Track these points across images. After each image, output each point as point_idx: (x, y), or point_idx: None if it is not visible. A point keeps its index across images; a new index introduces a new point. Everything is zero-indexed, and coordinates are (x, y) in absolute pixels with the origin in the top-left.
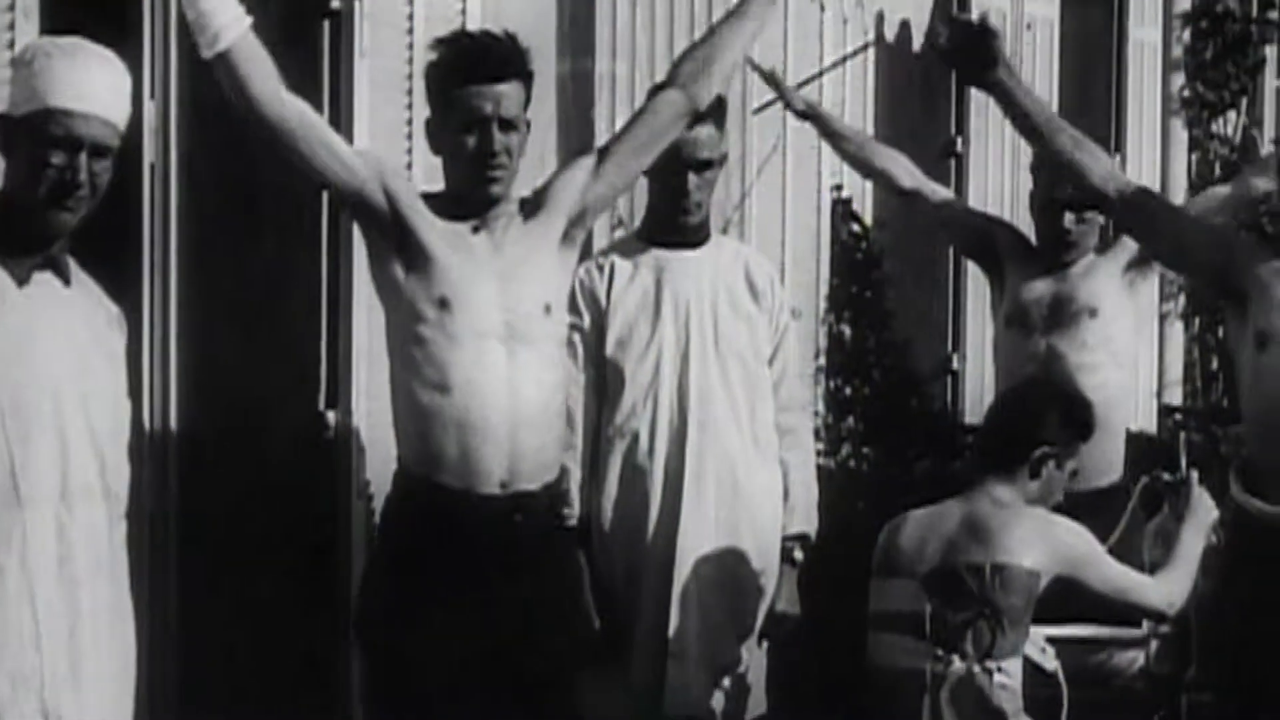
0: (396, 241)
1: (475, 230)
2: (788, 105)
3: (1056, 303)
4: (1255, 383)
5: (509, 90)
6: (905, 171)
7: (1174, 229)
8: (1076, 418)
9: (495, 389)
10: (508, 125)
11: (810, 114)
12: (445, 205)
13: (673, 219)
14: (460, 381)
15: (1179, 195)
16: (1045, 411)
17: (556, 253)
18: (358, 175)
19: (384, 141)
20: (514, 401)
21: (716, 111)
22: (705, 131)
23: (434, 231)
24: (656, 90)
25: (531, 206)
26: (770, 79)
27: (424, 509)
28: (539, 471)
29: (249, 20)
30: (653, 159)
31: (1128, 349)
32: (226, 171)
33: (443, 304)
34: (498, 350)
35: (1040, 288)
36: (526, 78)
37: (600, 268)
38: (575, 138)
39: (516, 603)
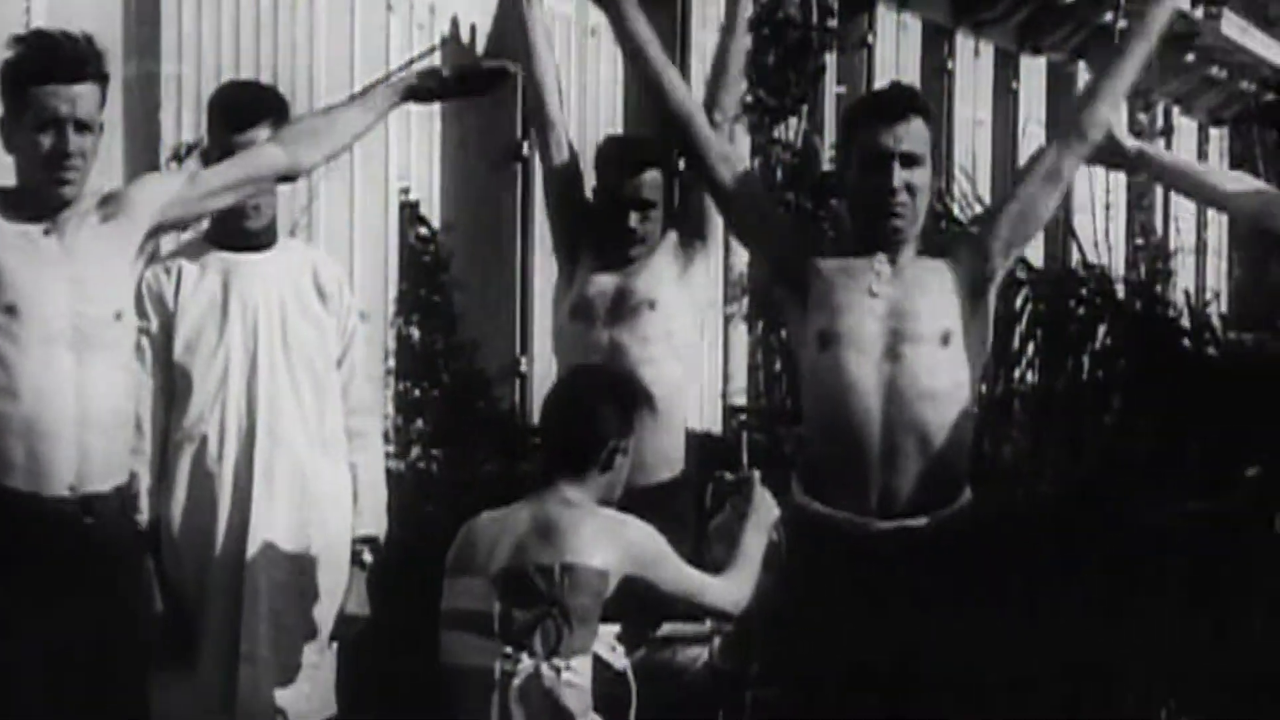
0: None
1: (46, 233)
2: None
3: (619, 295)
4: (816, 382)
5: (85, 91)
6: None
7: (746, 205)
8: (630, 402)
9: (63, 393)
10: (83, 126)
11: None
12: (15, 203)
13: (238, 222)
14: (28, 387)
15: None
16: (602, 405)
17: (131, 261)
18: None
19: None
20: (82, 405)
21: (279, 115)
22: (268, 136)
23: (2, 240)
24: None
25: (108, 210)
26: None
27: None
28: (109, 474)
29: None
30: (236, 199)
31: (688, 342)
32: None
33: (10, 310)
34: (66, 356)
35: (603, 281)
36: (102, 80)
37: (167, 271)
38: (141, 140)
39: (87, 604)
